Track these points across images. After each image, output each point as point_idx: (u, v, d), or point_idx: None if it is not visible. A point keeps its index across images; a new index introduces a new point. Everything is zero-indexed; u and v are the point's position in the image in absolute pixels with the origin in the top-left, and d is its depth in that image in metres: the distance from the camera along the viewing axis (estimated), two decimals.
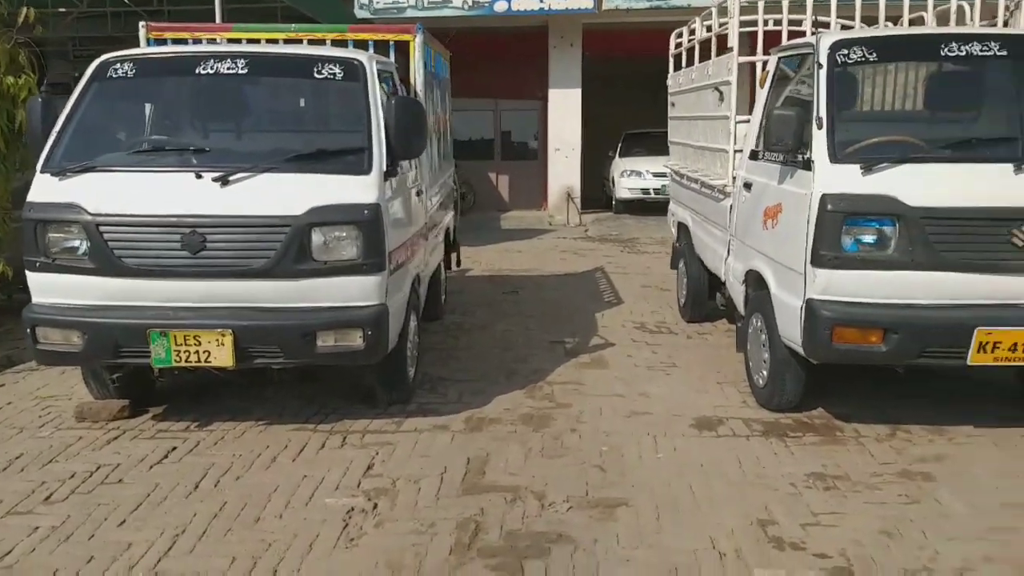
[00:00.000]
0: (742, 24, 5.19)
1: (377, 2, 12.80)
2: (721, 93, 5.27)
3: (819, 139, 3.78)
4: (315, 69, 4.06)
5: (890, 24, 5.60)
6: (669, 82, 7.27)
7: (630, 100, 16.65)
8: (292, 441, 4.07)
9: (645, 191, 14.59)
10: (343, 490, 3.57)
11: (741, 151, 4.95)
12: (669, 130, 7.41)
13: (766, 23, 5.62)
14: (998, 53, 3.87)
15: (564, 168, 14.55)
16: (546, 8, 12.92)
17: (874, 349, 3.71)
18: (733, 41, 5.02)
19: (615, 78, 16.49)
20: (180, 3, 11.52)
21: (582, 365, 5.40)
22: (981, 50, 3.86)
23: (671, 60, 7.18)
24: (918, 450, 3.93)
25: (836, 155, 3.73)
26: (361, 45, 5.09)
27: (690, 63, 6.60)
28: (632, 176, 14.83)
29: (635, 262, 9.93)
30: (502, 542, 3.14)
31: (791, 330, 3.99)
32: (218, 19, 8.30)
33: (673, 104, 7.18)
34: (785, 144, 3.88)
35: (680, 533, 3.20)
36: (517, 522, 3.29)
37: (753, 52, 5.58)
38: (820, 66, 3.91)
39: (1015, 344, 3.59)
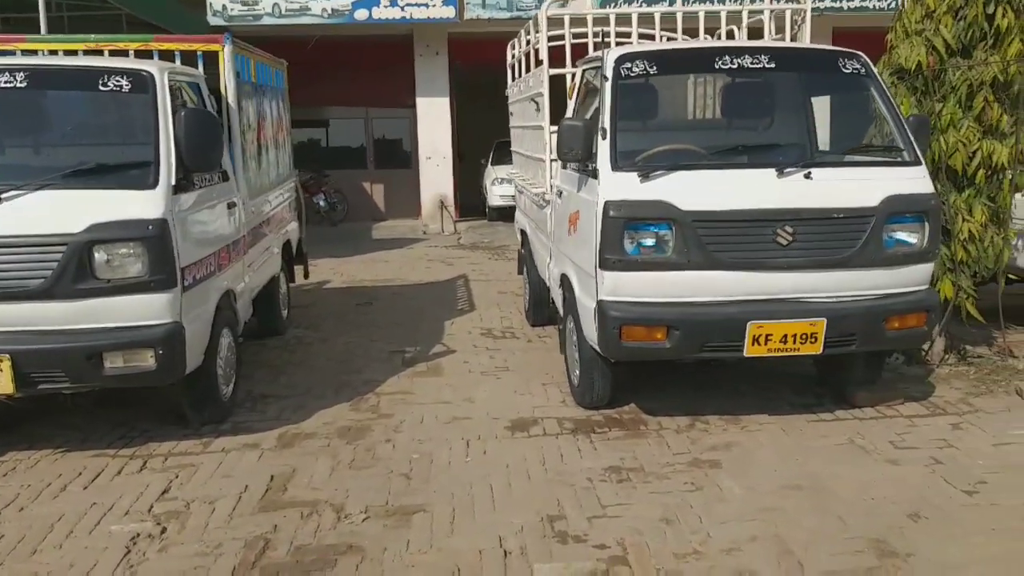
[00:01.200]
0: (565, 37, 5.39)
1: (231, 9, 12.47)
2: (537, 104, 5.43)
3: (603, 149, 3.96)
4: (100, 81, 3.92)
5: (709, 37, 5.93)
6: (507, 92, 7.42)
7: (503, 108, 16.89)
8: (88, 468, 3.89)
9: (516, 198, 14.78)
10: (132, 516, 3.44)
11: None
12: (511, 139, 7.56)
13: (596, 35, 5.84)
14: (767, 65, 4.16)
15: (436, 176, 14.57)
16: (408, 17, 12.91)
17: (660, 346, 3.90)
18: (543, 54, 5.18)
19: (486, 86, 16.64)
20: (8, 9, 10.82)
21: (417, 374, 5.42)
22: (752, 63, 4.14)
23: (508, 71, 7.33)
24: (712, 439, 4.15)
25: (617, 164, 3.91)
26: (168, 56, 4.94)
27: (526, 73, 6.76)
28: (503, 184, 14.96)
29: (499, 269, 10.04)
30: (289, 558, 3.11)
31: (590, 330, 4.14)
32: (43, 29, 7.86)
33: (512, 114, 7.33)
34: (575, 154, 4.03)
35: (471, 534, 3.26)
36: (309, 537, 3.26)
37: (575, 64, 5.77)
38: (606, 79, 4.09)
39: (785, 336, 3.86)
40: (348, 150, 16.65)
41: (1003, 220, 5.16)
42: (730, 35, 6.15)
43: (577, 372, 4.55)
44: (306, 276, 7.62)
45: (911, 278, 4.01)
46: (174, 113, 3.98)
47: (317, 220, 14.67)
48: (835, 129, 4.71)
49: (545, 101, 5.21)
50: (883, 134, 4.21)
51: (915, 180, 4.01)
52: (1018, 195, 6.10)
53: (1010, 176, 5.02)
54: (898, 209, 3.92)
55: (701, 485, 3.65)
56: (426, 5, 12.90)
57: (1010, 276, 6.37)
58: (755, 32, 5.87)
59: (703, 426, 4.32)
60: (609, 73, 4.10)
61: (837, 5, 12.52)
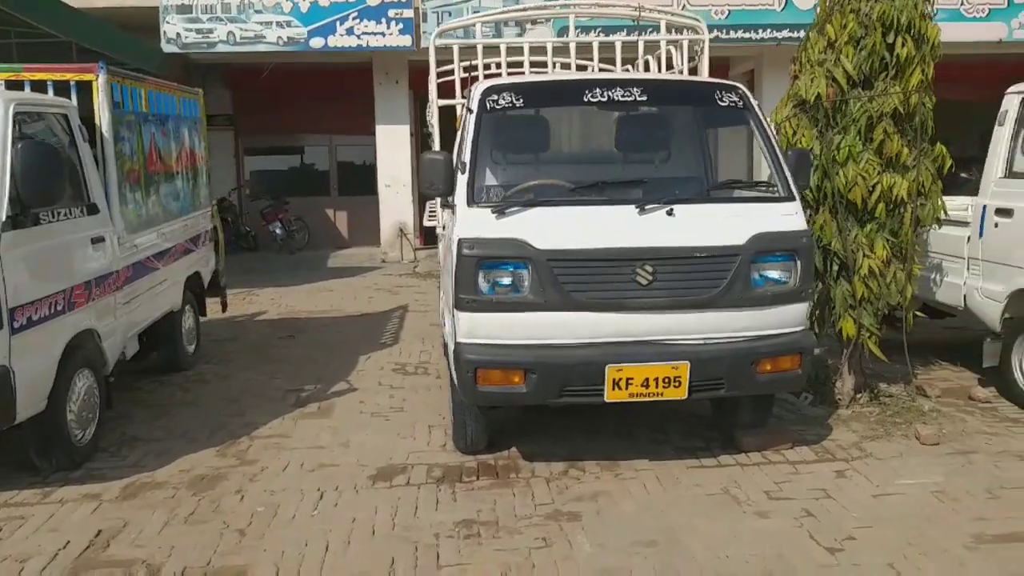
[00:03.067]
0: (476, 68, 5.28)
1: (186, 37, 12.38)
2: (431, 135, 5.28)
3: (461, 183, 3.79)
4: None
5: (630, 68, 5.81)
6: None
7: None
8: None
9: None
10: None
11: None
12: None
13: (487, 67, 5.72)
14: (639, 98, 4.00)
15: (396, 204, 14.43)
16: (364, 45, 12.82)
17: (517, 390, 3.70)
18: (432, 85, 5.05)
19: (449, 112, 16.61)
20: None
21: (304, 415, 5.20)
22: (623, 96, 3.98)
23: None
24: (580, 488, 3.93)
25: (473, 199, 3.74)
26: (40, 86, 4.79)
27: None
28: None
29: None
30: None
31: (454, 373, 3.95)
32: None
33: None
34: (436, 188, 3.86)
35: None
36: None
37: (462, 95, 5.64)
38: (470, 111, 3.94)
39: (647, 380, 3.66)
40: (312, 177, 16.54)
41: (907, 255, 4.99)
42: (646, 66, 6.04)
43: (451, 417, 4.35)
44: (224, 308, 7.42)
45: (783, 319, 3.82)
46: (12, 145, 3.80)
47: (275, 248, 14.53)
48: (712, 163, 4.54)
49: (435, 133, 5.06)
50: (769, 168, 4.04)
51: (787, 216, 3.84)
52: (934, 228, 5.96)
53: (911, 210, 4.86)
54: (766, 247, 3.74)
55: (553, 541, 3.43)
56: (382, 34, 12.82)
57: (936, 309, 6.25)
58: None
59: (577, 473, 4.11)
60: (474, 105, 3.94)
61: (795, 36, 12.48)
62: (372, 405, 5.39)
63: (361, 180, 16.98)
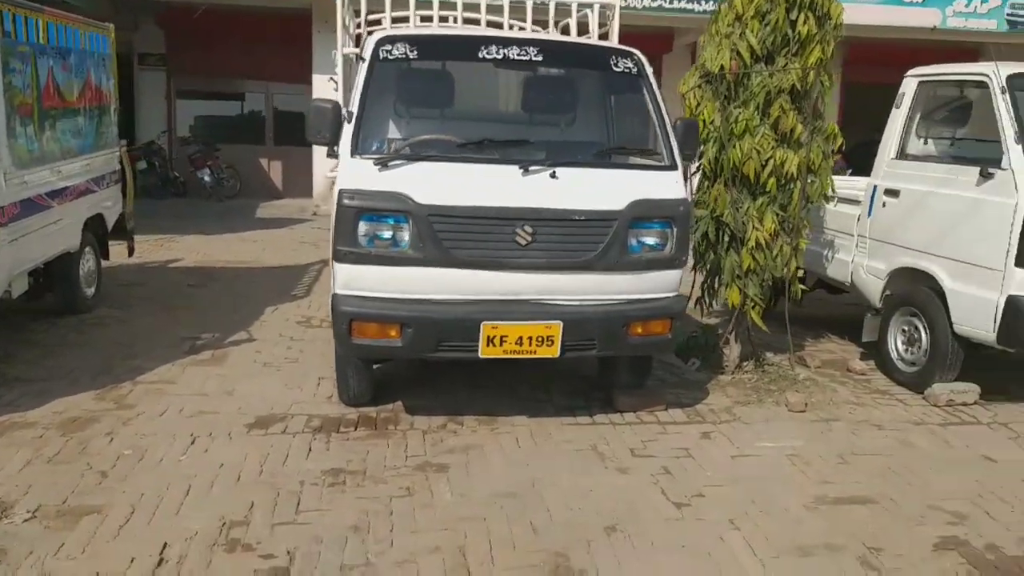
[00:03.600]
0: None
1: None
2: (335, 84, 5.21)
3: (346, 133, 3.77)
4: None
5: (538, 29, 5.78)
6: None
7: None
8: None
9: None
10: None
11: None
12: None
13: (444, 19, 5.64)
14: (535, 58, 4.01)
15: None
16: None
17: (393, 344, 3.75)
18: (338, 31, 4.97)
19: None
20: None
21: (195, 363, 5.16)
22: (519, 54, 3.99)
23: None
24: (455, 441, 4.02)
25: (357, 150, 3.73)
26: None
27: None
28: None
29: None
30: None
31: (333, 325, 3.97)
32: None
33: None
34: (323, 136, 3.83)
35: (136, 540, 3.05)
36: None
37: None
38: (363, 60, 3.90)
39: (520, 338, 3.74)
40: (248, 125, 16.11)
41: (795, 229, 5.15)
42: (565, 30, 6.01)
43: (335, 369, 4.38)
44: (130, 253, 7.26)
45: (656, 284, 3.93)
46: None
47: (204, 195, 14.19)
48: (604, 128, 4.59)
49: (340, 82, 4.99)
50: (650, 135, 4.12)
51: (668, 185, 3.93)
52: (832, 203, 6.15)
53: (800, 186, 5.00)
54: (644, 214, 3.83)
55: (416, 491, 3.51)
56: None
57: (831, 285, 6.48)
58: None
59: (455, 427, 4.19)
60: (367, 55, 3.90)
61: None
62: (267, 355, 5.38)
63: (299, 131, 16.61)
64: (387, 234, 3.67)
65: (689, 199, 3.95)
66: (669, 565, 3.04)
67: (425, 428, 4.16)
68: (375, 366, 4.42)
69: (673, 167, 3.98)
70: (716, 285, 5.31)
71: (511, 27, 5.73)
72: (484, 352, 3.74)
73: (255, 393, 4.62)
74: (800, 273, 5.41)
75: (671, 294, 3.99)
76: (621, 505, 3.45)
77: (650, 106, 4.12)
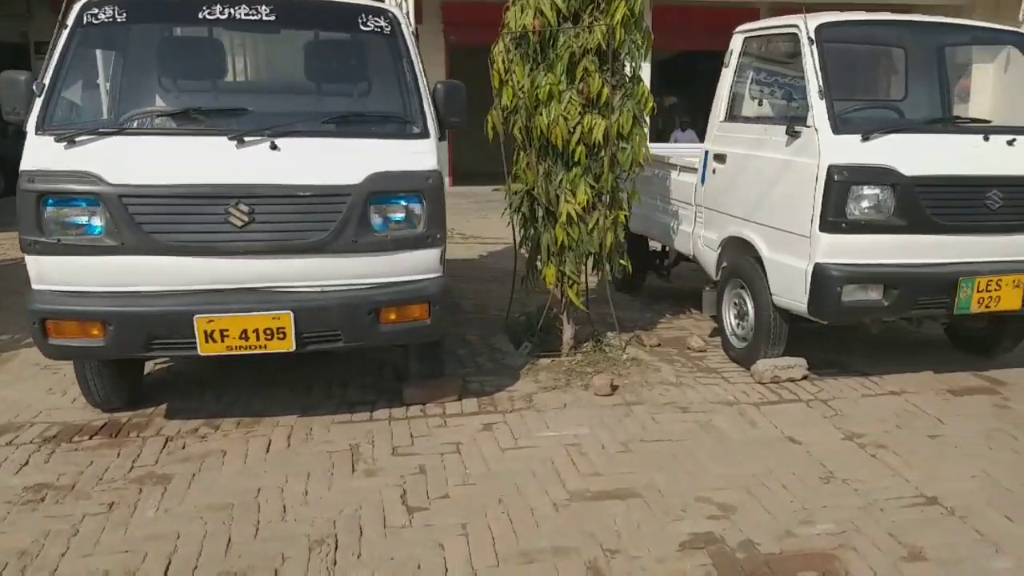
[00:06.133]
0: None
1: None
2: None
3: (35, 107, 3.32)
4: None
5: None
6: None
7: None
8: None
9: None
10: None
11: None
12: None
13: None
14: (266, 17, 3.58)
15: None
16: None
17: (95, 344, 3.30)
18: None
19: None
20: None
21: None
22: (248, 14, 3.56)
23: None
24: (199, 448, 3.61)
25: (43, 125, 3.29)
26: None
27: None
28: None
29: None
30: None
31: None
32: None
33: None
34: (18, 112, 3.37)
35: None
36: None
37: None
38: (64, 27, 3.45)
39: (245, 331, 3.33)
40: None
41: (613, 201, 4.80)
42: None
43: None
44: None
45: (408, 266, 3.54)
46: None
47: None
48: (348, 93, 4.17)
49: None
50: (404, 101, 3.71)
51: (416, 155, 3.53)
52: (675, 173, 5.82)
53: (611, 154, 4.64)
54: (385, 188, 3.43)
55: (118, 506, 3.11)
56: None
57: (686, 258, 6.16)
58: None
59: (208, 431, 3.78)
60: (69, 20, 3.46)
61: None
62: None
63: None
64: (78, 220, 3.23)
65: (440, 170, 3.55)
66: None
67: (173, 434, 3.76)
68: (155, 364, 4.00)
69: (424, 135, 3.59)
70: (539, 264, 4.97)
71: None
72: (204, 349, 3.32)
73: (10, 398, 4.20)
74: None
75: (428, 276, 3.60)
76: (346, 512, 3.08)
77: (404, 67, 3.71)
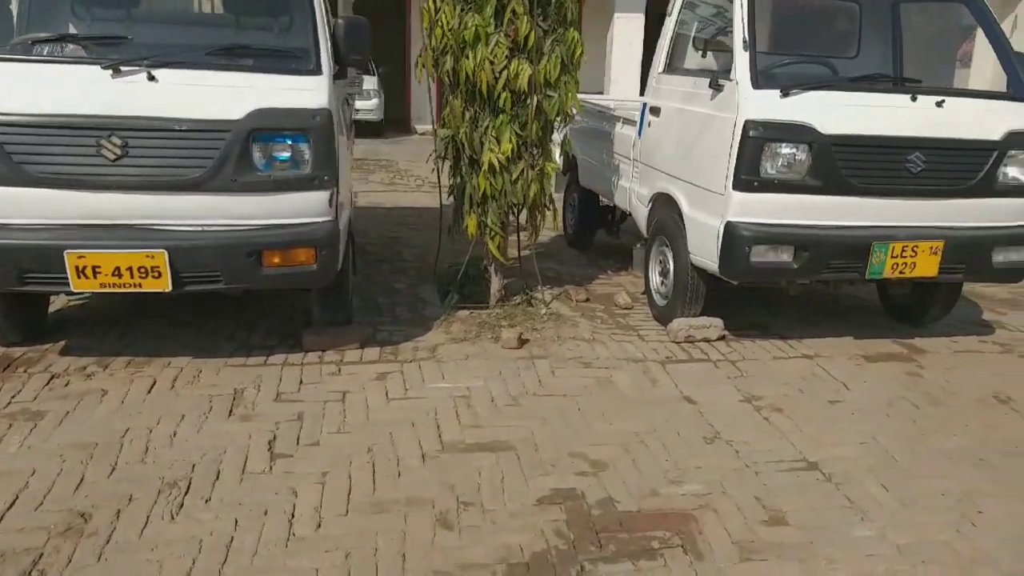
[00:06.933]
0: None
1: None
2: None
3: None
4: None
5: None
6: None
7: None
8: None
9: None
10: None
11: None
12: None
13: None
14: None
15: None
16: None
17: None
18: None
19: None
20: None
21: None
22: None
23: None
24: (81, 386, 3.55)
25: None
26: None
27: None
28: None
29: None
30: None
31: None
32: None
33: None
34: None
35: None
36: None
37: None
38: None
39: (118, 268, 3.25)
40: None
41: (543, 151, 4.66)
42: None
43: None
44: None
45: (296, 208, 3.42)
46: None
47: None
48: (246, 26, 4.01)
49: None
50: (301, 36, 3.55)
51: (304, 92, 3.38)
52: (618, 126, 5.66)
53: (536, 102, 4.49)
54: (268, 125, 3.31)
55: None
56: None
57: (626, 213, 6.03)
58: None
59: (96, 370, 3.72)
60: None
61: None
62: None
63: None
64: None
65: (331, 108, 3.42)
66: (205, 524, 2.64)
67: (61, 371, 3.71)
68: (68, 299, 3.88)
69: (316, 71, 3.44)
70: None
71: None
72: (77, 285, 3.24)
73: None
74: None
75: (316, 219, 3.50)
76: (209, 456, 3.04)
77: (306, 1, 3.55)
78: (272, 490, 2.86)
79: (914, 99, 3.92)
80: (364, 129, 14.09)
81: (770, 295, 5.30)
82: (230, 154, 3.26)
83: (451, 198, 4.95)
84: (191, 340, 4.15)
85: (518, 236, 5.05)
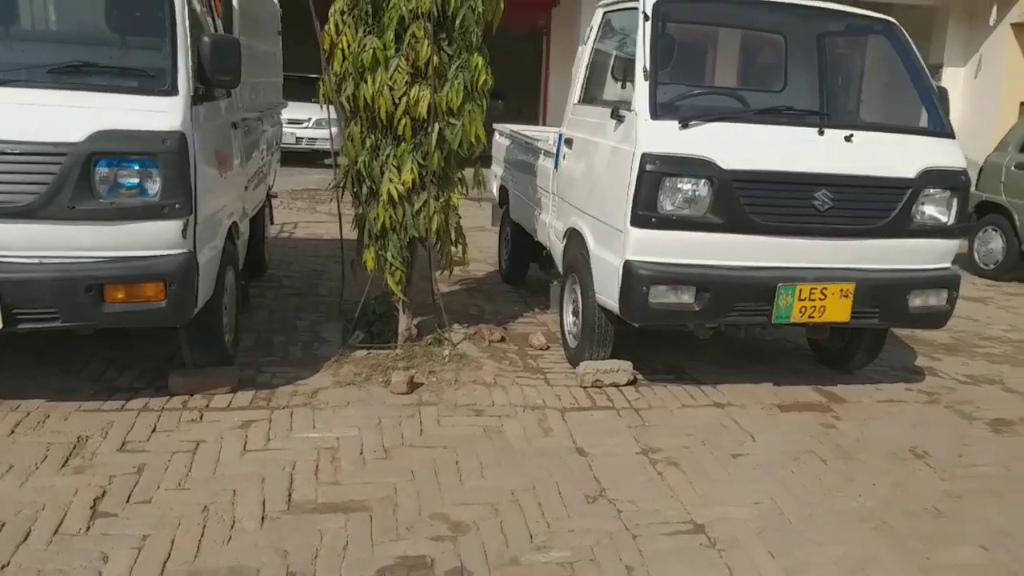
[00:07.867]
0: None
1: None
2: None
3: None
4: None
5: None
6: None
7: None
8: None
9: None
10: None
11: None
12: None
13: None
14: None
15: None
16: None
17: None
18: None
19: None
20: None
21: None
22: None
23: None
24: None
25: None
26: None
27: None
28: None
29: None
30: None
31: None
32: None
33: None
34: None
35: None
36: None
37: None
38: None
39: None
40: None
41: (448, 181, 4.43)
42: None
43: None
44: None
45: (143, 239, 3.10)
46: None
47: None
48: (100, 44, 3.76)
49: None
50: (159, 54, 3.30)
51: (155, 114, 3.10)
52: (540, 158, 5.46)
53: (438, 130, 4.26)
54: (111, 148, 3.00)
55: None
56: None
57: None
58: None
59: None
60: None
61: None
62: None
63: None
64: None
65: (186, 132, 3.16)
66: None
67: None
68: None
69: (172, 92, 3.19)
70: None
71: None
72: None
73: None
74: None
75: (169, 251, 3.22)
76: (23, 515, 2.71)
77: (165, 18, 3.30)
78: (79, 555, 2.54)
79: (821, 133, 3.73)
80: (322, 158, 13.94)
81: (688, 336, 5.05)
82: (67, 179, 2.99)
83: (354, 229, 4.70)
84: (52, 381, 3.83)
85: (431, 270, 4.80)
